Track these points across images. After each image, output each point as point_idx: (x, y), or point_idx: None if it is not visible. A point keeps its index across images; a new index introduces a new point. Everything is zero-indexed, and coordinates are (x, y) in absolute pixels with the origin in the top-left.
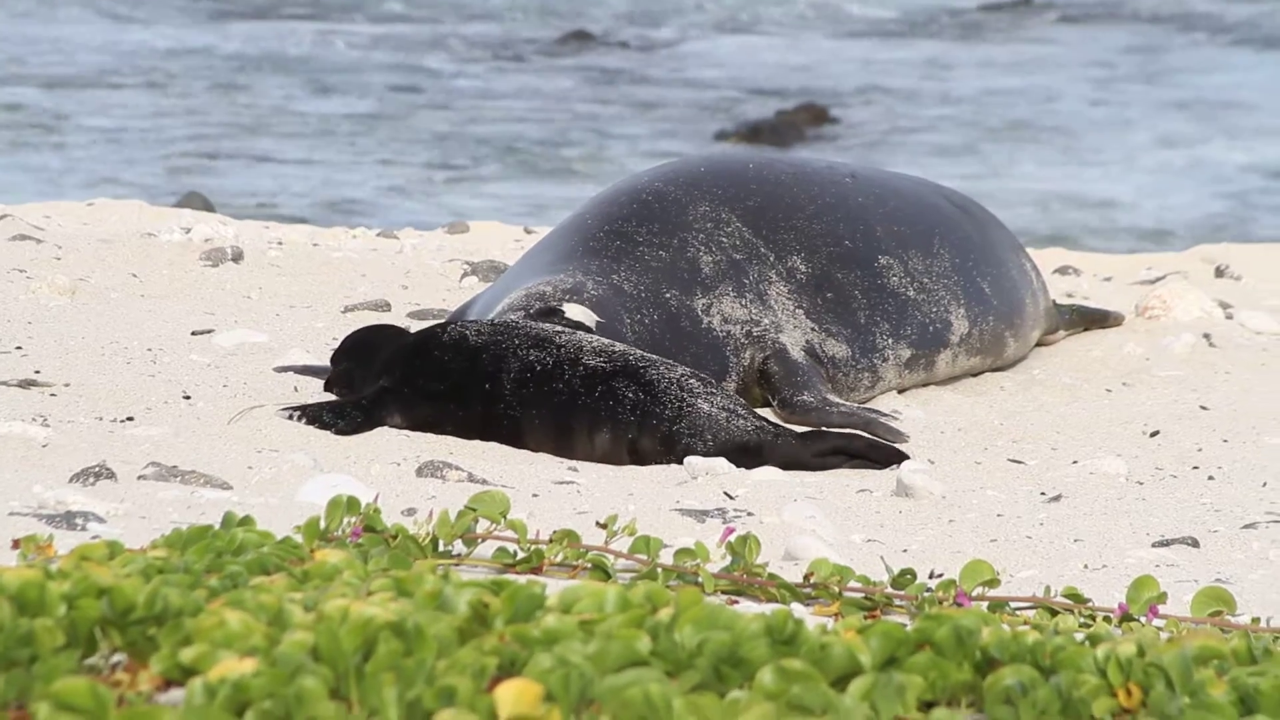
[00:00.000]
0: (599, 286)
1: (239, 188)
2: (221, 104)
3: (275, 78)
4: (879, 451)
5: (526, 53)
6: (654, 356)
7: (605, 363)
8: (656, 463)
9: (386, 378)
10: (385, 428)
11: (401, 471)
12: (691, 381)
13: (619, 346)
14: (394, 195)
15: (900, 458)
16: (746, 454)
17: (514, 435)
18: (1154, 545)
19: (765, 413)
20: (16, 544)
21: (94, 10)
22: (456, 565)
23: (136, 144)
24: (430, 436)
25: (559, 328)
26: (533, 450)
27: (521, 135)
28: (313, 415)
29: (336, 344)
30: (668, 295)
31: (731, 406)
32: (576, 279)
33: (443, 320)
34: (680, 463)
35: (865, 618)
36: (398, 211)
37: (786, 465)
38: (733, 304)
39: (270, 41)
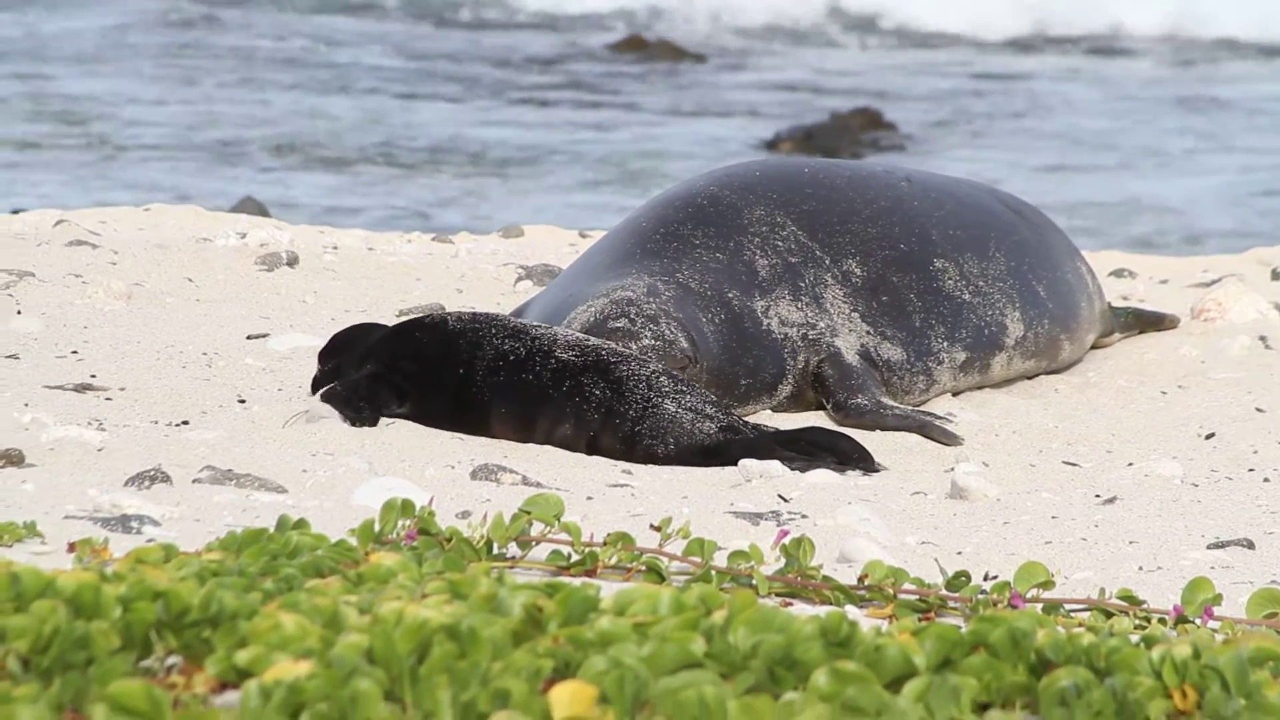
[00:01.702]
0: (669, 286)
1: (298, 193)
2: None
3: (345, 79)
4: (858, 456)
5: (580, 58)
6: (627, 352)
7: (577, 357)
8: (616, 459)
9: (375, 363)
10: (439, 431)
11: (456, 474)
12: (661, 380)
13: (592, 341)
14: (447, 202)
15: (871, 466)
16: (708, 456)
17: (481, 423)
18: (1209, 547)
19: (819, 416)
20: (72, 547)
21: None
22: (511, 568)
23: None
24: (484, 439)
25: (537, 324)
26: (494, 436)
27: (575, 140)
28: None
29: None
30: (730, 296)
31: (699, 407)
32: (646, 281)
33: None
34: (641, 462)
35: (920, 620)
36: (453, 217)
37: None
38: (789, 307)
39: (351, 41)
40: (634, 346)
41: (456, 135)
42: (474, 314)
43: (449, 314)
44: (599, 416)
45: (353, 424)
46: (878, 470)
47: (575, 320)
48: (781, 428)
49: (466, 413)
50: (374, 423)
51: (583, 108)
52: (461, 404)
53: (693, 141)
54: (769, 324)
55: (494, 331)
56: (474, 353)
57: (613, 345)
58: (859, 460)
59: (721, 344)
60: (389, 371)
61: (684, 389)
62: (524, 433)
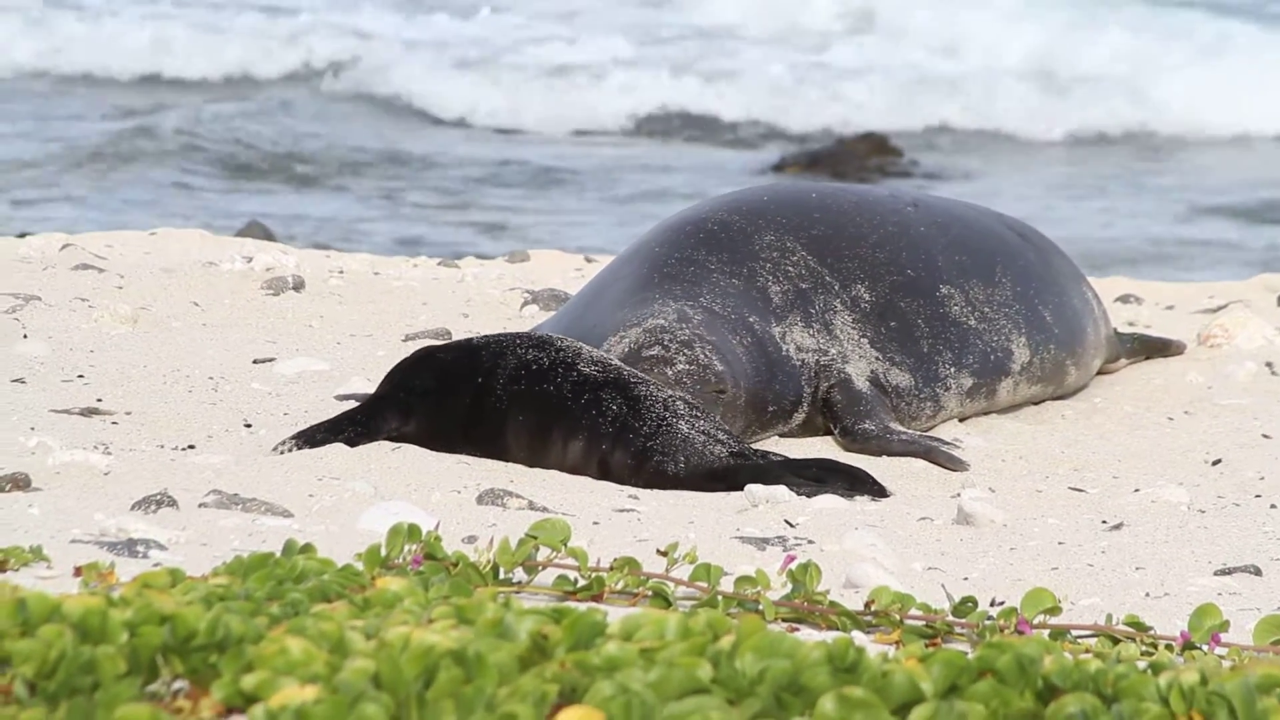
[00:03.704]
0: (696, 311)
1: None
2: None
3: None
4: (869, 482)
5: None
6: (646, 376)
7: (599, 372)
8: (625, 481)
9: (383, 385)
10: (446, 456)
11: (462, 499)
12: (678, 403)
13: (615, 360)
14: (444, 226)
15: (880, 493)
16: (718, 480)
17: (495, 433)
18: (1216, 573)
19: (826, 441)
20: (79, 571)
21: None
22: (517, 593)
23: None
24: (490, 464)
25: (561, 337)
26: (508, 456)
27: (574, 164)
28: (307, 438)
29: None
30: (752, 320)
31: (711, 431)
32: (674, 306)
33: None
34: (647, 484)
35: (926, 646)
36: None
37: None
38: (802, 333)
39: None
40: (669, 372)
41: (452, 154)
42: (501, 333)
43: (473, 337)
44: (613, 431)
45: (349, 444)
46: (886, 495)
47: (610, 352)
48: (789, 456)
49: (483, 423)
50: (367, 440)
51: (585, 130)
52: (479, 413)
53: (700, 166)
54: (787, 349)
55: (519, 343)
56: (496, 362)
57: (632, 370)
58: (869, 486)
59: (754, 367)
60: (397, 391)
61: (698, 414)
62: (538, 442)
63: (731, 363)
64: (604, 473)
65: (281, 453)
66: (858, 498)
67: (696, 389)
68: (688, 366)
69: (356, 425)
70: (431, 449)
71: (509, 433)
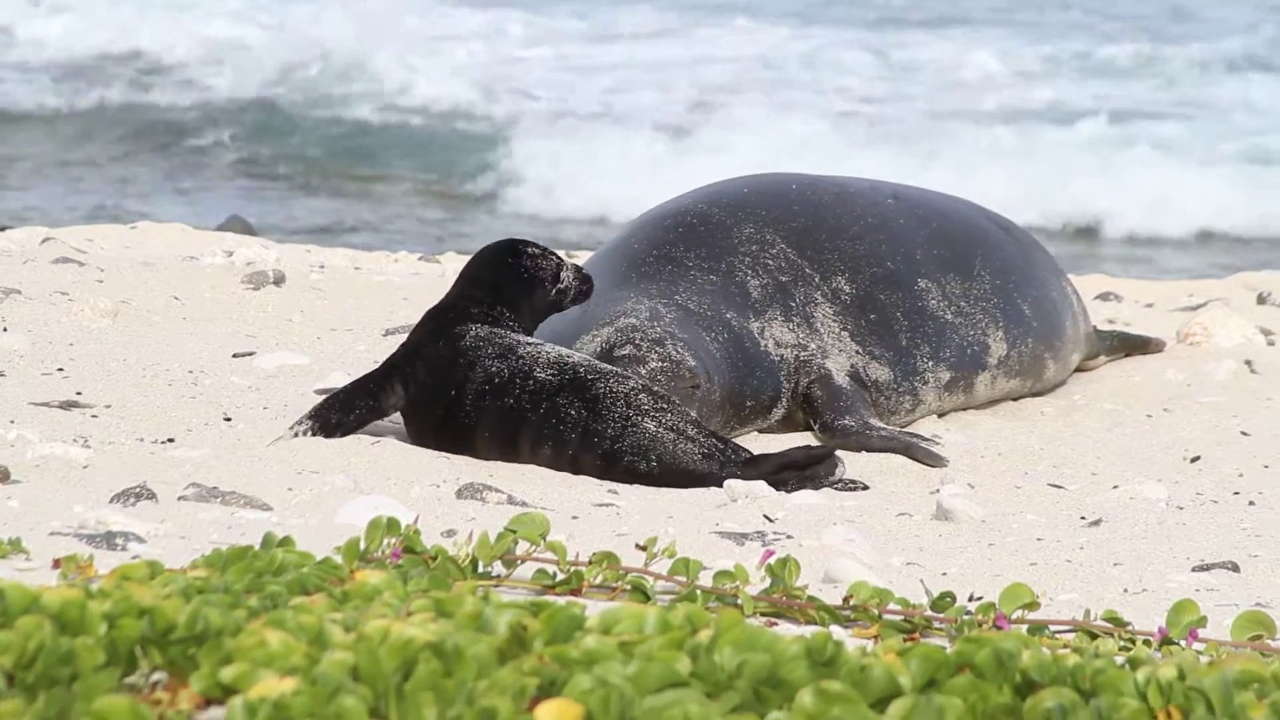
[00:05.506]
0: (669, 309)
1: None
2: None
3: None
4: (823, 465)
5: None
6: (607, 368)
7: (554, 375)
8: (601, 478)
9: (397, 353)
10: (425, 450)
11: (441, 493)
12: (641, 397)
13: (575, 358)
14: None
15: (836, 473)
16: (691, 478)
17: (468, 442)
18: (1194, 570)
19: (806, 436)
20: (57, 563)
21: None
22: (496, 586)
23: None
24: (470, 459)
25: (527, 339)
26: (482, 458)
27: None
28: (321, 420)
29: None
30: (728, 316)
31: (680, 426)
32: (647, 305)
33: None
34: (625, 479)
35: (905, 640)
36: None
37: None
38: (781, 328)
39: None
40: (642, 371)
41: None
42: (479, 334)
43: (469, 328)
44: (576, 436)
45: (346, 432)
46: (857, 487)
47: (583, 350)
48: (761, 448)
49: (456, 433)
50: (376, 416)
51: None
52: (452, 426)
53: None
54: (766, 345)
55: (488, 352)
56: (467, 375)
57: (593, 362)
58: (832, 464)
59: (729, 364)
60: (411, 358)
61: (664, 406)
62: (509, 453)
63: (704, 359)
64: (578, 472)
65: (296, 435)
66: (836, 484)
67: (670, 385)
68: (660, 364)
69: (368, 398)
70: (417, 428)
71: (479, 445)
